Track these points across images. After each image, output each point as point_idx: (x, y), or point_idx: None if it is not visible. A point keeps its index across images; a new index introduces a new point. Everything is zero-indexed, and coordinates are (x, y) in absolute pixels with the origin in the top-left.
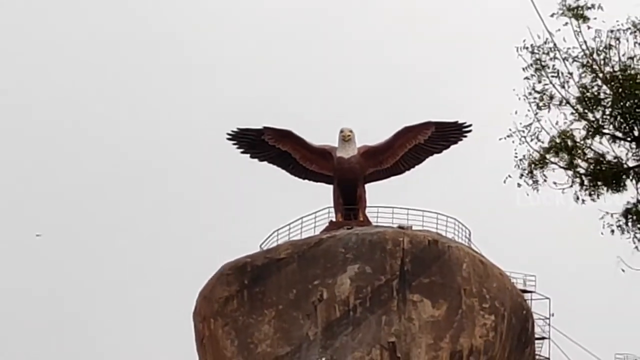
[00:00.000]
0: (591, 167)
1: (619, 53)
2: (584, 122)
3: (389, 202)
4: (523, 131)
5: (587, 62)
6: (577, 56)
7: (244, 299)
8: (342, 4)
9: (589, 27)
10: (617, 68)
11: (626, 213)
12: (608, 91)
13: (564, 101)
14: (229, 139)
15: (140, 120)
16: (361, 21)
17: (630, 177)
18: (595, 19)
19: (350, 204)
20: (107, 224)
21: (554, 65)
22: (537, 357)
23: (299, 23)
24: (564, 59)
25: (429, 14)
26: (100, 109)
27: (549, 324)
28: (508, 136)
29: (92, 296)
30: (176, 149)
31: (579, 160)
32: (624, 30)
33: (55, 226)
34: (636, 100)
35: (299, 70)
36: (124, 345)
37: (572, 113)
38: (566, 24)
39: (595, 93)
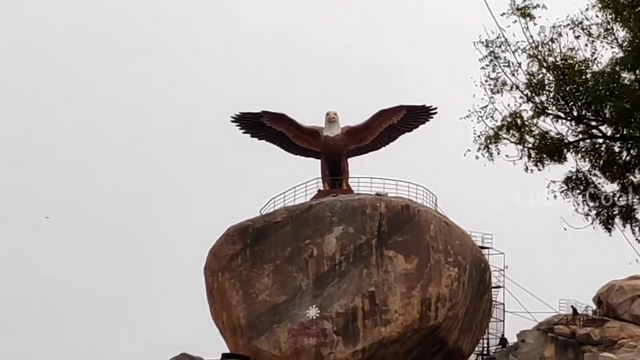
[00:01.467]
0: (537, 142)
1: (560, 45)
2: (531, 104)
3: (368, 174)
4: (480, 112)
5: (534, 53)
6: (524, 48)
7: (246, 256)
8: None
9: (534, 24)
10: (559, 58)
11: (567, 181)
12: (551, 78)
13: (514, 87)
14: (232, 121)
15: (155, 98)
16: (342, 13)
17: (570, 151)
18: (540, 17)
19: (335, 175)
20: (127, 199)
21: (505, 57)
22: (493, 302)
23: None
24: (513, 51)
25: (396, 15)
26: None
27: (504, 275)
28: (467, 116)
29: (119, 259)
30: (191, 128)
31: (527, 137)
32: (564, 26)
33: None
34: (575, 85)
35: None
36: (148, 297)
37: (520, 97)
38: (515, 21)
39: (541, 80)
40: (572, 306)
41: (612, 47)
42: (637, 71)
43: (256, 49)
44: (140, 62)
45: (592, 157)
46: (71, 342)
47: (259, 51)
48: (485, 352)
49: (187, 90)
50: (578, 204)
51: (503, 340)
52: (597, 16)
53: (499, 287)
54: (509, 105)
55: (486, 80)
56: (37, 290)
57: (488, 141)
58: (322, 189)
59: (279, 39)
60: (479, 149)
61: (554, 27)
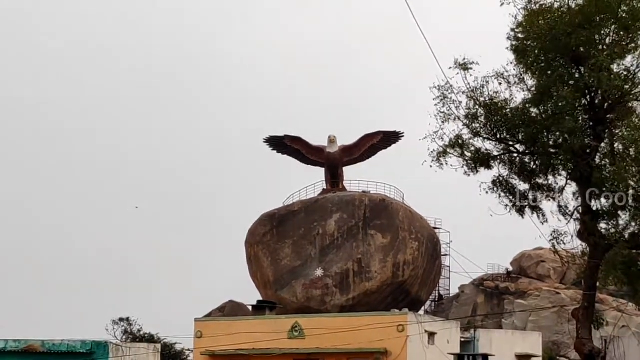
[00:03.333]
0: (473, 155)
1: (488, 89)
2: (468, 130)
3: (357, 178)
4: (433, 135)
5: (470, 95)
6: (464, 91)
7: (274, 233)
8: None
9: (471, 75)
10: (487, 98)
11: (493, 182)
12: (482, 112)
13: (457, 117)
14: (264, 142)
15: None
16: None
17: (496, 161)
18: (474, 70)
19: (334, 179)
20: (187, 189)
21: (451, 97)
22: (442, 265)
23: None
24: (456, 93)
25: (348, 65)
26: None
27: (450, 247)
28: (424, 138)
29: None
30: (236, 147)
31: (466, 152)
32: (491, 76)
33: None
34: (499, 117)
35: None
36: (209, 263)
37: (462, 125)
38: (458, 73)
39: (475, 113)
40: (506, 269)
41: (523, 91)
42: (540, 107)
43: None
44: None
45: (510, 166)
46: (142, 283)
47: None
48: (436, 299)
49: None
50: (501, 198)
51: (440, 296)
52: (513, 69)
53: (446, 255)
54: (453, 130)
55: (438, 113)
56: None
57: (439, 155)
58: (325, 188)
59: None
60: (433, 160)
61: (484, 77)
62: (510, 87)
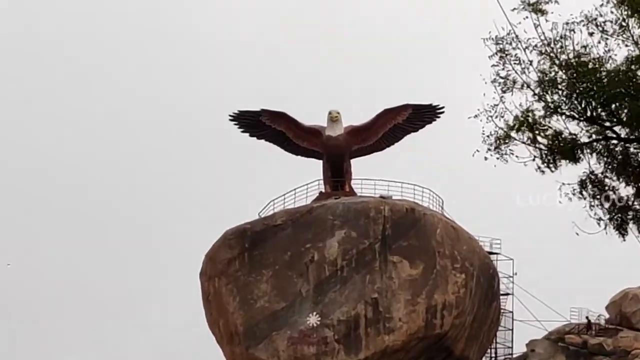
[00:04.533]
0: (550, 142)
1: (573, 42)
2: (543, 103)
3: (372, 175)
4: (489, 111)
5: (545, 50)
6: (536, 45)
7: (244, 260)
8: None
9: (546, 20)
10: (571, 56)
11: (580, 183)
12: (564, 76)
13: (525, 85)
14: (230, 120)
15: (147, 99)
16: (347, 13)
17: (584, 152)
18: (552, 12)
19: (337, 176)
20: (121, 197)
21: (516, 54)
22: (502, 311)
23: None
24: (524, 48)
25: (403, 11)
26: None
27: (513, 282)
28: (476, 116)
29: (113, 261)
30: (189, 129)
31: (539, 137)
32: (577, 23)
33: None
34: (589, 84)
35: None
36: (140, 304)
37: (532, 95)
38: (526, 17)
39: (553, 78)
40: (587, 317)
41: (627, 45)
42: None
43: (257, 45)
44: (132, 59)
45: (606, 159)
46: (62, 342)
47: (260, 47)
48: None
49: (181, 87)
50: (591, 208)
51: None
52: (612, 12)
53: (507, 294)
54: (520, 104)
55: (496, 79)
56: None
57: (498, 142)
58: (323, 191)
59: (278, 34)
60: (489, 149)
61: (566, 23)
62: (606, 38)
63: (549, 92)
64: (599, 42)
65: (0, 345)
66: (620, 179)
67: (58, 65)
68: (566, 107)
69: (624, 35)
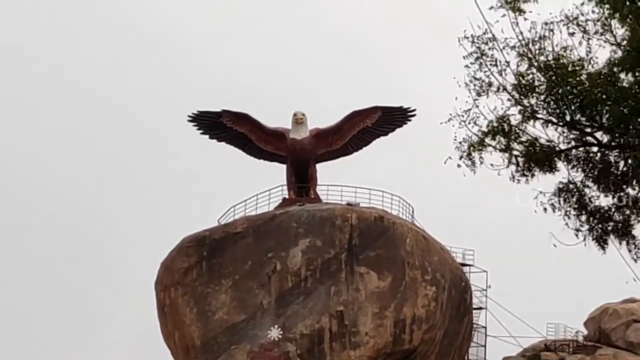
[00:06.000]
0: (526, 149)
1: (552, 43)
2: (519, 108)
3: (338, 181)
4: (462, 116)
5: (523, 51)
6: (514, 46)
7: (202, 269)
8: None
9: (525, 19)
10: (551, 57)
11: (558, 192)
12: (542, 79)
13: (501, 88)
14: (189, 120)
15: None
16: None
17: (562, 159)
18: (531, 11)
19: (302, 182)
20: (69, 201)
21: (492, 55)
22: (474, 325)
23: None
24: (501, 49)
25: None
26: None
27: (486, 295)
28: (448, 120)
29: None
30: (142, 127)
31: (515, 144)
32: (557, 22)
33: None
34: (568, 87)
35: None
36: (92, 313)
37: (508, 99)
38: (504, 15)
39: (531, 80)
40: (577, 332)
41: (609, 46)
42: (637, 73)
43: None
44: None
45: (585, 167)
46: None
47: (233, 42)
48: None
49: (136, 88)
50: (569, 218)
51: None
52: (593, 12)
53: (480, 308)
54: (495, 108)
55: (471, 81)
56: None
57: (471, 148)
58: (287, 197)
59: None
60: (461, 156)
61: (546, 23)
62: (587, 39)
63: (527, 95)
64: (580, 43)
65: None
66: (600, 188)
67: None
68: (544, 112)
69: (606, 36)
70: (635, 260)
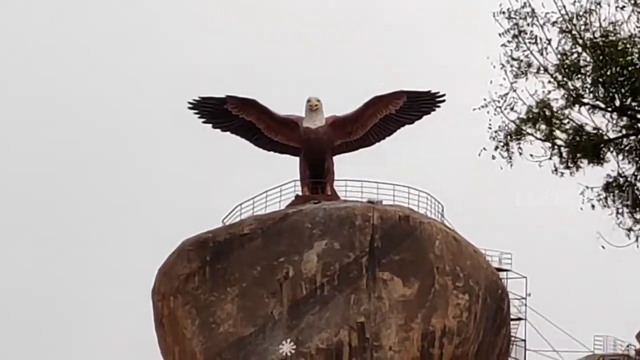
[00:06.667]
0: (570, 138)
1: (599, 18)
2: (562, 91)
3: (358, 176)
4: (498, 101)
5: (567, 27)
6: (556, 21)
7: (205, 276)
8: None
9: None
10: (597, 34)
11: (607, 186)
12: (588, 58)
13: (542, 69)
14: (190, 108)
15: (100, 89)
16: None
17: (611, 149)
18: None
19: (317, 177)
20: (65, 198)
21: (531, 31)
22: (512, 338)
23: None
24: (542, 25)
25: None
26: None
27: (525, 304)
28: (483, 106)
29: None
30: (137, 119)
31: (557, 132)
32: None
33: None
34: (618, 68)
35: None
36: (80, 327)
37: (550, 81)
38: None
39: (575, 60)
40: (628, 345)
41: None
42: None
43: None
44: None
45: (637, 158)
46: None
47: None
48: None
49: (139, 77)
50: (620, 216)
51: None
52: None
53: (519, 319)
54: (535, 92)
55: (507, 61)
56: None
57: (508, 138)
58: (300, 194)
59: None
60: (497, 147)
61: None
62: (639, 13)
63: (571, 77)
64: (630, 18)
65: None
66: None
67: None
68: (590, 96)
69: None
70: None
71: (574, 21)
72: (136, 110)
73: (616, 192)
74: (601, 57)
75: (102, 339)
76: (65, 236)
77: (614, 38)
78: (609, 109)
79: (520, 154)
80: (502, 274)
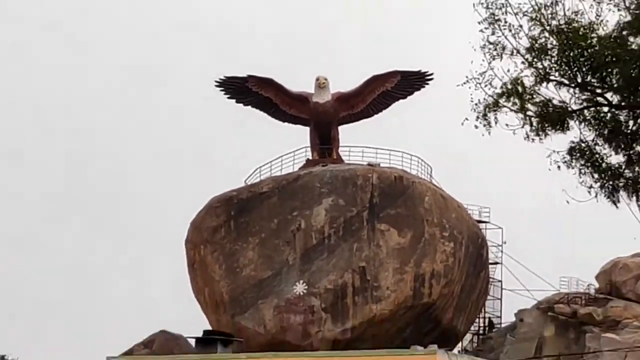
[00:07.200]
0: (539, 110)
1: (564, 8)
2: (532, 70)
3: (360, 143)
4: (478, 78)
5: (536, 16)
6: (527, 11)
7: (230, 228)
8: None
9: None
10: (562, 21)
11: (571, 151)
12: (554, 42)
13: (515, 51)
14: (216, 86)
15: (132, 65)
16: None
17: (574, 119)
18: None
19: (325, 144)
20: (103, 165)
21: (505, 19)
22: (490, 280)
23: None
24: (515, 13)
25: None
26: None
27: (502, 251)
28: (464, 83)
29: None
30: (174, 96)
31: (529, 104)
32: None
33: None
34: (579, 50)
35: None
36: (125, 270)
37: (522, 62)
38: None
39: (543, 44)
40: (589, 286)
41: (619, 10)
42: None
43: (248, 13)
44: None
45: (596, 127)
46: (55, 314)
47: (250, 16)
48: (481, 331)
49: (169, 55)
50: (582, 176)
51: (487, 327)
52: None
53: (496, 263)
54: (509, 71)
55: (485, 45)
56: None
57: (487, 109)
58: (310, 158)
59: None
60: (477, 117)
61: None
62: (598, 3)
63: (540, 58)
64: (591, 7)
65: None
66: (611, 147)
67: None
68: (556, 74)
69: (616, 0)
70: None
71: (542, 11)
72: (170, 86)
73: (578, 155)
74: (565, 41)
75: (143, 279)
76: (117, 194)
77: (576, 25)
78: (572, 85)
79: (497, 123)
80: (482, 225)
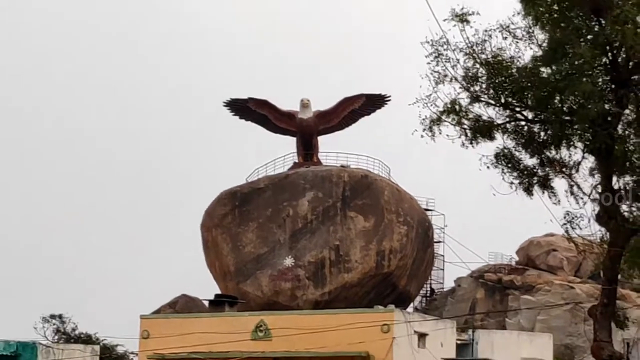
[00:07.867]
0: (472, 124)
1: (490, 45)
2: (467, 93)
3: (335, 149)
4: (425, 99)
5: (469, 51)
6: (462, 47)
7: (235, 215)
8: None
9: (470, 27)
10: (490, 56)
11: (496, 156)
12: (484, 72)
13: (453, 78)
14: (224, 106)
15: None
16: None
17: (499, 131)
18: (474, 22)
19: (308, 150)
20: (133, 159)
21: (446, 54)
22: (435, 254)
23: None
24: (453, 50)
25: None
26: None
27: (444, 232)
28: (414, 102)
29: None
30: (193, 114)
31: (464, 120)
32: (494, 30)
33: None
34: (503, 78)
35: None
36: (156, 250)
37: (459, 87)
38: (455, 25)
39: (475, 73)
40: (510, 258)
41: (532, 47)
42: (552, 66)
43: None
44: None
45: (516, 137)
46: (78, 275)
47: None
48: (428, 294)
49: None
50: (505, 175)
51: (432, 291)
52: (521, 21)
53: (439, 242)
54: (449, 94)
55: (431, 73)
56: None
57: (432, 123)
58: (297, 161)
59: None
60: (424, 129)
61: (485, 30)
62: (517, 42)
63: (472, 84)
64: (511, 45)
65: None
66: (527, 152)
67: None
68: (485, 96)
69: (530, 40)
70: (554, 204)
71: (474, 47)
72: (190, 105)
73: (502, 159)
74: (492, 71)
75: (169, 254)
76: (144, 183)
77: (500, 58)
78: (497, 105)
79: (440, 134)
80: (429, 212)
